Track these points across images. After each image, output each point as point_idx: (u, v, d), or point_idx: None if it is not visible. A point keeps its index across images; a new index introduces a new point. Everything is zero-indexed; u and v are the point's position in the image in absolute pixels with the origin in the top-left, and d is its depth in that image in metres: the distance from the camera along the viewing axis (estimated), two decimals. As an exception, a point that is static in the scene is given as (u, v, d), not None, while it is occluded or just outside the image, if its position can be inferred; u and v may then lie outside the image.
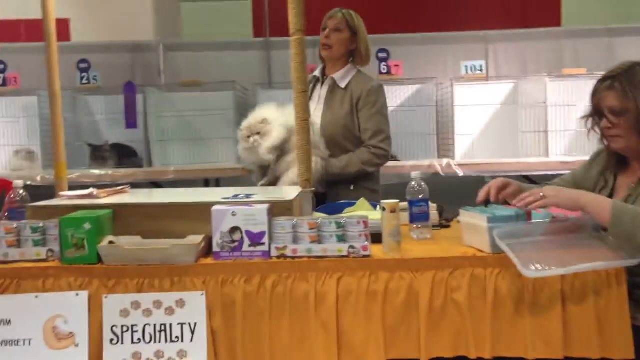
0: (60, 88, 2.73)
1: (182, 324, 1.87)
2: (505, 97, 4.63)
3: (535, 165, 4.31)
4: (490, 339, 1.83)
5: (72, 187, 2.62)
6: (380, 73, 4.71)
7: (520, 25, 5.97)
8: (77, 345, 1.86)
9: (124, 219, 2.04)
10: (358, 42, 3.10)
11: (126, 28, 5.59)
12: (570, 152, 4.38)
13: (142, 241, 2.01)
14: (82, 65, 4.84)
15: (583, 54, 5.15)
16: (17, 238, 1.96)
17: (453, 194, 3.00)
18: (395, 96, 4.75)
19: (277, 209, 1.99)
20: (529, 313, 1.83)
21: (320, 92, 3.11)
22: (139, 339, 1.86)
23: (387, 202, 1.96)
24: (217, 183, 4.71)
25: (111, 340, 1.86)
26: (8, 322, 1.87)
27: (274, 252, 1.92)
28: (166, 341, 1.87)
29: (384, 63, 4.75)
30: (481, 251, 1.92)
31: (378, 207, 2.27)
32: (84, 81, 4.80)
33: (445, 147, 4.66)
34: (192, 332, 1.86)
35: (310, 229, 1.91)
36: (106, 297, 1.87)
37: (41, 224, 1.97)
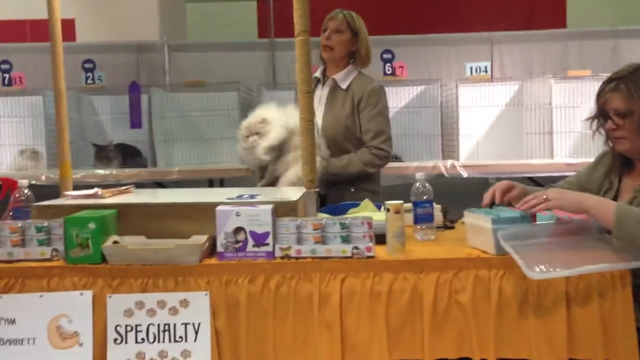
0: (65, 88, 2.73)
1: (185, 324, 1.87)
2: (510, 99, 4.62)
3: (540, 166, 4.30)
4: (494, 341, 1.83)
5: (76, 187, 2.62)
6: (385, 74, 4.71)
7: (525, 26, 5.97)
8: (81, 345, 1.86)
9: (128, 218, 2.04)
10: (359, 43, 3.09)
11: (131, 28, 5.60)
12: (575, 153, 4.37)
13: (146, 241, 2.01)
14: (87, 65, 4.85)
15: (588, 56, 5.14)
16: (21, 237, 1.96)
17: (457, 195, 3.00)
18: (400, 97, 4.75)
19: (282, 210, 2.00)
20: (533, 315, 1.83)
21: (322, 93, 3.11)
22: (142, 339, 1.87)
23: (392, 203, 1.96)
24: (221, 183, 4.72)
25: (115, 339, 1.86)
26: (12, 322, 1.87)
27: (278, 253, 1.92)
28: (170, 341, 1.87)
29: (388, 64, 4.75)
30: (485, 252, 1.92)
31: (382, 208, 2.27)
32: (89, 81, 4.81)
33: (449, 148, 4.65)
34: (196, 332, 1.86)
35: (315, 229, 1.91)
36: (110, 297, 1.87)
37: (46, 224, 1.97)
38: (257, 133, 2.76)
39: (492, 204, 2.09)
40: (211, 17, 7.48)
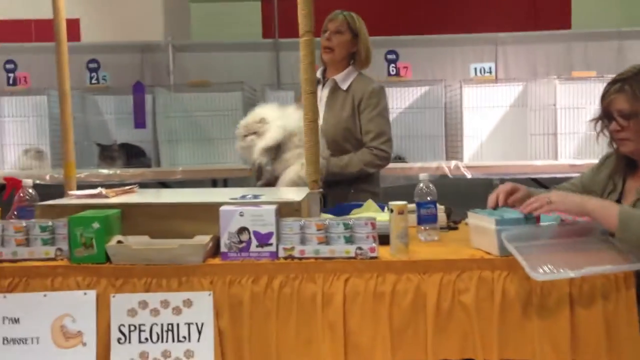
0: (70, 88, 2.74)
1: (189, 324, 1.87)
2: (515, 99, 4.62)
3: (544, 167, 4.30)
4: (498, 342, 1.83)
5: (80, 187, 2.63)
6: (389, 75, 4.70)
7: (530, 27, 5.95)
8: (84, 344, 1.86)
9: (132, 218, 2.04)
10: (359, 45, 3.08)
11: (136, 28, 5.61)
12: (579, 155, 4.37)
13: (150, 241, 2.01)
14: (92, 65, 4.86)
15: (593, 57, 5.13)
16: (26, 237, 1.97)
17: (461, 196, 3.00)
18: (404, 98, 4.75)
19: (285, 210, 2.00)
20: (536, 316, 1.82)
21: (321, 94, 3.10)
22: (146, 339, 1.87)
23: (395, 203, 1.96)
24: (225, 183, 4.72)
25: (119, 339, 1.87)
26: (16, 321, 1.88)
27: (281, 253, 1.92)
28: (173, 341, 1.87)
29: (392, 65, 4.74)
30: (489, 253, 1.91)
31: (386, 208, 2.27)
32: (94, 81, 4.82)
33: (453, 149, 4.65)
34: (199, 332, 1.87)
35: (318, 230, 1.91)
36: (114, 297, 1.88)
37: (50, 223, 1.98)
38: (255, 132, 2.72)
39: (496, 207, 2.09)
40: (215, 17, 7.48)
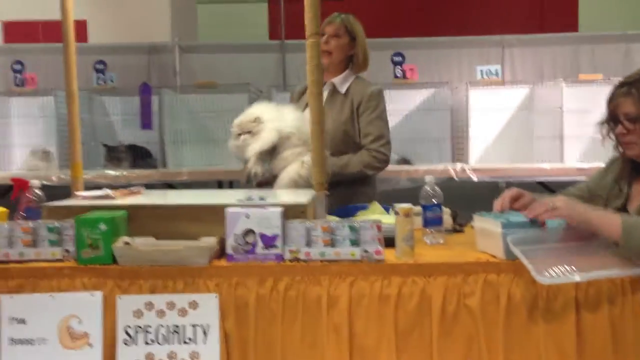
0: (77, 89, 2.75)
1: (195, 326, 1.87)
2: (521, 102, 4.61)
3: (550, 170, 4.29)
4: (503, 346, 1.82)
5: (87, 187, 2.64)
6: (395, 77, 4.71)
7: (536, 30, 5.96)
8: (91, 346, 1.87)
9: (138, 219, 2.05)
10: (356, 48, 3.05)
11: (143, 30, 5.63)
12: (585, 158, 4.35)
13: (156, 242, 2.02)
14: (99, 67, 4.89)
15: (600, 60, 5.12)
16: (33, 238, 1.98)
17: (467, 198, 3.00)
18: (410, 100, 4.75)
19: (291, 212, 2.00)
20: (542, 320, 1.82)
21: None
22: (152, 340, 1.87)
23: (401, 206, 1.96)
24: (231, 185, 4.73)
25: (125, 340, 1.87)
26: (23, 322, 1.88)
27: (287, 255, 1.92)
28: (179, 342, 1.87)
29: (399, 67, 4.75)
30: (495, 257, 1.91)
31: (391, 211, 2.27)
32: (101, 82, 4.85)
33: (459, 152, 4.65)
34: (205, 334, 1.87)
35: (324, 232, 1.91)
36: (120, 298, 1.88)
37: (57, 224, 1.99)
38: (249, 132, 2.69)
39: (501, 211, 2.08)
40: (222, 18, 7.51)
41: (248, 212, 1.92)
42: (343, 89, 3.03)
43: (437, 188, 2.20)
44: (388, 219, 2.14)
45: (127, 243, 1.95)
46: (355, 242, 1.90)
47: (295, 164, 2.65)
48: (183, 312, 1.87)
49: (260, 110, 2.76)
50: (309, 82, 2.26)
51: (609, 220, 1.85)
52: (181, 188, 4.39)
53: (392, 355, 1.84)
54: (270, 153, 2.69)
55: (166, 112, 4.71)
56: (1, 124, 4.70)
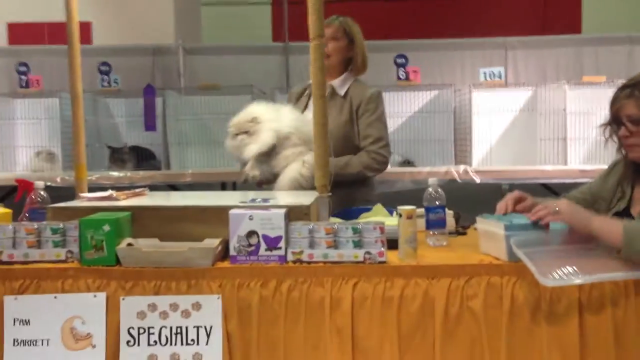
0: (82, 90, 2.76)
1: (197, 327, 1.88)
2: (524, 104, 4.60)
3: (553, 172, 4.28)
4: (506, 348, 1.82)
5: (91, 189, 2.64)
6: (399, 79, 4.70)
7: (540, 32, 5.96)
8: (94, 347, 1.87)
9: (142, 221, 2.05)
10: (355, 50, 3.04)
11: (147, 31, 5.65)
12: (589, 160, 4.34)
13: (159, 244, 2.02)
14: (103, 68, 4.89)
15: (603, 62, 5.12)
16: (37, 239, 1.98)
17: (470, 200, 3.00)
18: (413, 102, 4.75)
19: (294, 214, 2.00)
20: (545, 322, 1.82)
21: None
22: (155, 341, 1.88)
23: (404, 208, 1.96)
24: (234, 186, 4.74)
25: (128, 342, 1.88)
26: (27, 322, 1.89)
27: (290, 257, 1.93)
28: (182, 344, 1.88)
29: (402, 69, 4.74)
30: (498, 259, 1.91)
31: (394, 213, 2.27)
32: (105, 84, 4.85)
33: (462, 154, 4.64)
34: (208, 335, 1.87)
35: (327, 234, 1.91)
36: (123, 299, 1.89)
37: (61, 225, 1.99)
38: (246, 132, 2.69)
39: (505, 213, 2.08)
40: (226, 20, 7.52)
41: (251, 213, 1.92)
42: (342, 92, 3.03)
43: (440, 190, 2.20)
44: (391, 221, 2.14)
45: (130, 244, 1.95)
46: (358, 244, 1.90)
47: (297, 163, 2.65)
48: (186, 314, 1.88)
49: (258, 110, 2.76)
50: (313, 84, 2.26)
51: (611, 227, 1.84)
52: (185, 189, 4.40)
53: (394, 357, 1.84)
54: (269, 154, 2.69)
55: (170, 113, 4.71)
56: (6, 125, 4.70)
